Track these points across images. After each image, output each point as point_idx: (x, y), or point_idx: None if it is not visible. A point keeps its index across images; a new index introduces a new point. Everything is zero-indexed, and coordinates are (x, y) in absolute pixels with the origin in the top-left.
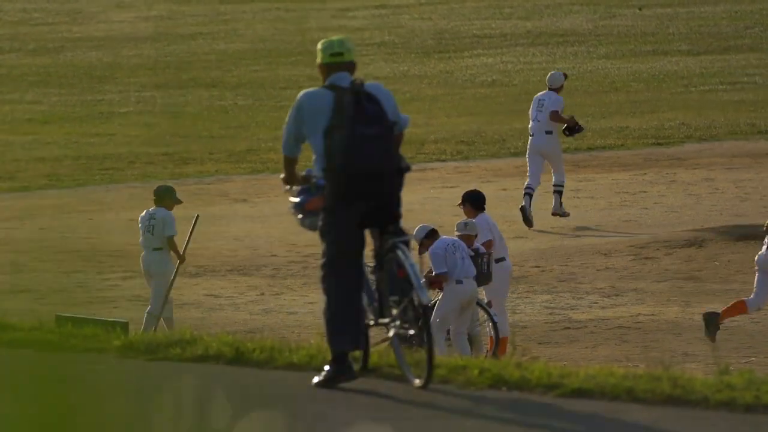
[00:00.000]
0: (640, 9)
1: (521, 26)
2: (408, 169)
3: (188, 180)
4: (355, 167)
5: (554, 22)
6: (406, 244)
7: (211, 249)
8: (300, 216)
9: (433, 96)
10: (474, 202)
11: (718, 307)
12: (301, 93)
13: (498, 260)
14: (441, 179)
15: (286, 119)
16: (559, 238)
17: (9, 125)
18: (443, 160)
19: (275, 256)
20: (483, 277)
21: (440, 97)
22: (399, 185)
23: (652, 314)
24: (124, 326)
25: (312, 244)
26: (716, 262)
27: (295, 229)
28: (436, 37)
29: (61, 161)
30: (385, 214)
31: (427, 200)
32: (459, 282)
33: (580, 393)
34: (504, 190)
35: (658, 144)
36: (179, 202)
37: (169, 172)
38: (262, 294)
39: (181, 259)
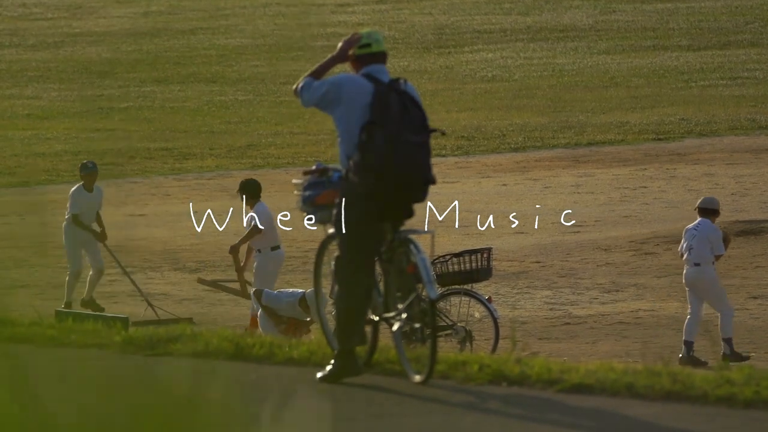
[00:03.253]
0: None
1: (521, 21)
2: (434, 181)
3: (188, 175)
4: (393, 172)
5: (554, 18)
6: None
7: (211, 244)
8: (309, 210)
9: (433, 91)
10: (249, 190)
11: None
12: (341, 74)
13: (274, 248)
14: (441, 174)
15: (315, 85)
16: (560, 233)
17: (8, 120)
18: (443, 156)
19: None
20: (483, 273)
21: (440, 92)
22: (425, 194)
23: (652, 310)
24: (124, 321)
25: (312, 239)
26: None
27: (295, 224)
28: (436, 32)
29: (61, 156)
30: (400, 213)
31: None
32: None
33: (580, 388)
34: (504, 185)
35: (659, 139)
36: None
37: (169, 168)
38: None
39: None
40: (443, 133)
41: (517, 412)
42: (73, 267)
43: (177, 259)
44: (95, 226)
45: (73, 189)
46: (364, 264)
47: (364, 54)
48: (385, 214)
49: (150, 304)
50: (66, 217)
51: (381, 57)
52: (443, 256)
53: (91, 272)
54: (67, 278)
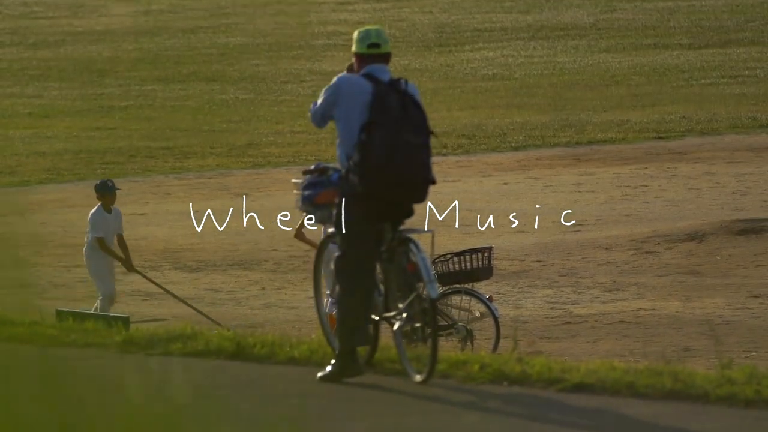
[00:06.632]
0: None
1: (522, 20)
2: (434, 182)
3: (189, 174)
4: (392, 173)
5: (555, 16)
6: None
7: (212, 243)
8: (309, 210)
9: (433, 90)
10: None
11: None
12: (339, 76)
13: None
14: (442, 173)
15: (320, 96)
16: (560, 232)
17: (9, 119)
18: (444, 155)
19: (276, 250)
20: (484, 272)
21: (441, 90)
22: (425, 195)
23: (653, 309)
24: (125, 321)
25: (312, 238)
26: (717, 257)
27: (295, 224)
28: (436, 30)
29: (62, 155)
30: (400, 212)
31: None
32: None
33: (581, 388)
34: (505, 184)
35: (659, 138)
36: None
37: (169, 166)
38: (263, 289)
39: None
40: (435, 135)
41: (518, 411)
42: (105, 290)
43: (177, 259)
44: (118, 252)
45: (92, 211)
46: (364, 263)
47: (372, 53)
48: (385, 214)
49: (201, 312)
50: (86, 240)
51: (386, 57)
52: (444, 255)
53: (100, 300)
54: (98, 304)
